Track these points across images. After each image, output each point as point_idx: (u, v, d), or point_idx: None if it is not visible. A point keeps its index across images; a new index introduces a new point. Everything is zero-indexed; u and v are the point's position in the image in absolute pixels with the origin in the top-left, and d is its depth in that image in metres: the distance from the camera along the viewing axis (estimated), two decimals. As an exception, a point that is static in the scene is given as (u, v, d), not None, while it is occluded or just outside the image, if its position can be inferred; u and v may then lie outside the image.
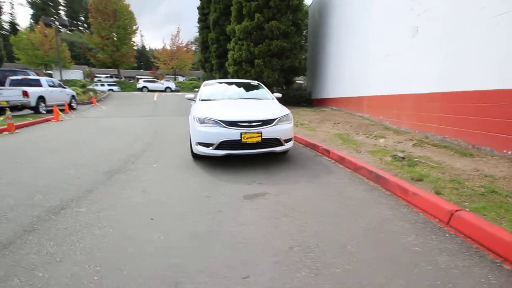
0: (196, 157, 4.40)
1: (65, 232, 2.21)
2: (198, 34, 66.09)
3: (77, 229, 2.25)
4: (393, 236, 2.07)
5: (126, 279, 1.64)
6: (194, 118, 4.10)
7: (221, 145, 3.82)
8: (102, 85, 29.40)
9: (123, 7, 29.46)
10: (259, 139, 3.83)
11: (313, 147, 5.10)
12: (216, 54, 15.54)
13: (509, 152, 3.47)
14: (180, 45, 39.94)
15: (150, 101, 18.89)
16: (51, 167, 4.04)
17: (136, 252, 1.92)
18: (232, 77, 13.79)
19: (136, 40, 34.72)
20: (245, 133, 3.77)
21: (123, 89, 31.23)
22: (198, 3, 21.78)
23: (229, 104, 4.54)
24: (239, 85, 5.66)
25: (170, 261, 1.81)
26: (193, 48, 51.95)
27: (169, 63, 38.27)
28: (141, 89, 28.89)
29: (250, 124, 3.83)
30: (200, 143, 3.98)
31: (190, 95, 5.27)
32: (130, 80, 41.20)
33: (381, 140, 5.50)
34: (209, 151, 3.89)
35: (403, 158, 4.09)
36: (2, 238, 2.11)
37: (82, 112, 12.54)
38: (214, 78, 17.97)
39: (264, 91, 5.40)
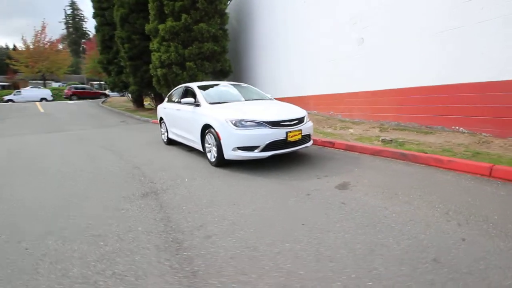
0: (221, 164, 4.09)
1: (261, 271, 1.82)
2: (65, 31, 54.72)
3: (239, 253, 1.89)
4: (480, 191, 2.80)
5: None
6: (226, 121, 3.82)
7: (268, 147, 3.76)
8: None
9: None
10: (300, 136, 4.00)
11: (310, 141, 5.58)
12: (129, 55, 13.63)
13: (457, 127, 5.03)
14: (47, 44, 32.44)
15: (35, 113, 14.73)
16: (49, 206, 2.89)
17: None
18: (158, 81, 12.62)
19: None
20: (290, 131, 3.86)
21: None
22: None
23: (252, 105, 4.45)
24: (234, 86, 5.48)
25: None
26: (60, 47, 43.26)
27: (34, 66, 30.40)
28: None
29: (290, 122, 3.95)
30: (240, 148, 3.77)
31: (189, 99, 4.72)
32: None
33: (351, 130, 6.58)
34: (254, 154, 3.75)
35: (390, 140, 5.15)
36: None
37: None
38: (126, 83, 15.69)
39: (261, 92, 5.47)
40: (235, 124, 3.78)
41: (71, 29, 52.01)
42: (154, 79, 12.70)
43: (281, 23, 10.45)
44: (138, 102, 16.96)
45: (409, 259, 1.75)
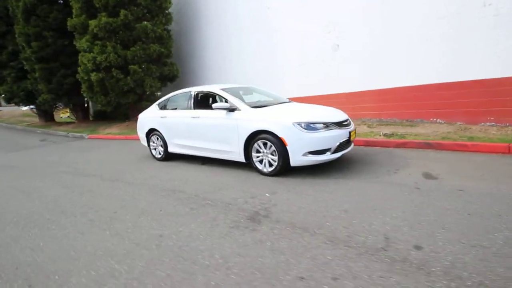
0: (280, 173, 3.73)
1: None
2: None
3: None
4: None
5: None
6: (293, 125, 3.52)
7: (338, 148, 3.66)
8: None
9: None
10: (355, 135, 4.06)
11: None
12: (39, 56, 10.56)
13: (435, 119, 6.12)
14: None
15: None
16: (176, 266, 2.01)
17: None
18: (91, 88, 10.39)
19: None
20: (351, 131, 3.87)
21: None
22: None
23: (297, 107, 4.23)
24: (251, 89, 5.05)
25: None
26: None
27: None
28: None
29: (347, 123, 3.96)
30: (312, 152, 3.54)
31: (223, 104, 4.09)
32: None
33: (340, 128, 7.07)
34: (326, 157, 3.60)
35: (392, 134, 5.81)
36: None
37: None
38: (32, 91, 12.12)
39: (277, 94, 5.24)
40: (305, 127, 3.53)
41: None
42: (84, 85, 10.45)
43: (234, 26, 10.20)
44: (47, 115, 13.39)
45: None
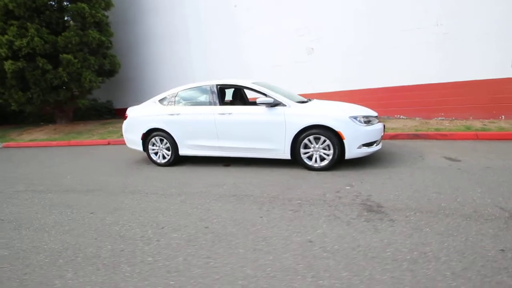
0: (331, 167, 3.77)
1: None
2: None
3: None
4: (500, 145, 4.58)
5: None
6: (350, 119, 3.62)
7: (380, 140, 3.95)
8: None
9: None
10: (383, 129, 4.46)
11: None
12: None
13: (398, 115, 7.26)
14: None
15: None
16: None
17: None
18: (2, 82, 7.81)
19: None
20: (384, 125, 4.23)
21: None
22: None
23: (336, 103, 4.39)
24: (271, 87, 4.80)
25: None
26: None
27: None
28: None
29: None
30: (365, 144, 3.72)
31: (267, 99, 3.78)
32: None
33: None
34: (373, 149, 3.86)
35: (373, 129, 6.60)
36: None
37: None
38: None
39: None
40: (359, 121, 3.66)
41: None
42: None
43: (193, 19, 9.55)
44: None
45: None
